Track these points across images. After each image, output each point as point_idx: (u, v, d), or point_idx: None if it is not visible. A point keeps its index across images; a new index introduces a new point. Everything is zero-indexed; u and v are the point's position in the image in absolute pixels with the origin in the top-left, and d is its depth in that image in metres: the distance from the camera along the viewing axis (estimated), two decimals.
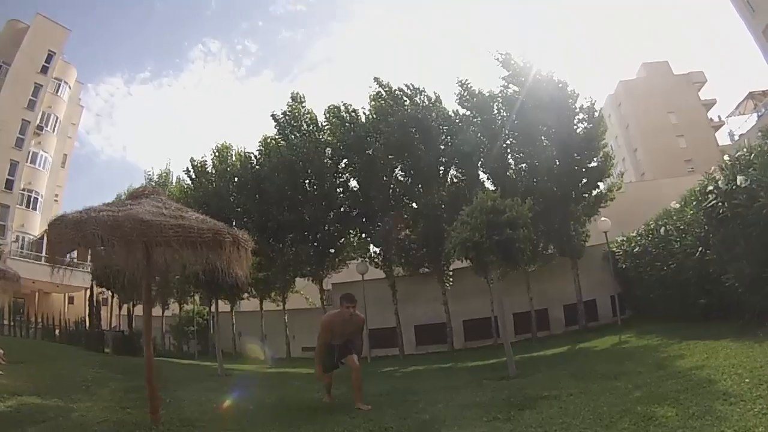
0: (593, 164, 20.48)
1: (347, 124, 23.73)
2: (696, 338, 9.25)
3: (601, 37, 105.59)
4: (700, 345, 8.43)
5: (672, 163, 43.64)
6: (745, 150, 9.18)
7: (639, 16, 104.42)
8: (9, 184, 37.46)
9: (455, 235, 10.58)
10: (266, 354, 23.82)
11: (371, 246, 23.89)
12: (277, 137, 25.46)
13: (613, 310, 18.81)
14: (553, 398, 6.31)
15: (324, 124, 25.03)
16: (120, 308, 30.02)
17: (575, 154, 20.15)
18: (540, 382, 8.16)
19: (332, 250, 24.44)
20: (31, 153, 39.26)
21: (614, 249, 18.58)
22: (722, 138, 47.58)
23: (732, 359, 6.34)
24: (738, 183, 8.69)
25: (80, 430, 5.84)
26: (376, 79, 23.36)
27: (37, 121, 39.46)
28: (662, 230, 13.66)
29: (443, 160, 21.81)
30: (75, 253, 12.92)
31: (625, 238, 18.09)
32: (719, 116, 50.81)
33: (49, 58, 40.53)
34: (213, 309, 20.17)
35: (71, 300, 39.44)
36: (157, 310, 31.89)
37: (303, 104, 25.39)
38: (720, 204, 9.36)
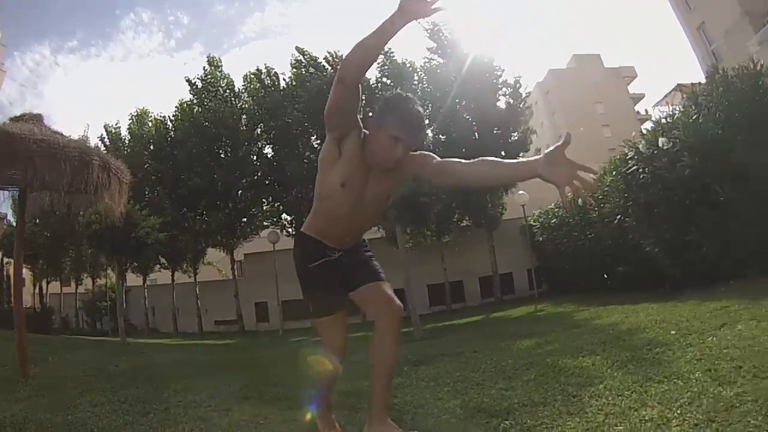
0: (514, 138, 20.45)
1: (267, 88, 23.21)
2: (615, 304, 8.94)
3: (533, 26, 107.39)
4: (618, 309, 8.07)
5: (596, 152, 44.22)
6: (667, 113, 9.07)
7: (575, 7, 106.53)
8: None
9: None
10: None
11: (284, 214, 23.49)
12: (192, 102, 24.49)
13: (530, 283, 18.78)
14: (454, 355, 5.90)
15: (242, 90, 24.36)
16: (34, 286, 28.68)
17: (496, 128, 20.08)
18: (445, 344, 7.73)
19: (244, 219, 23.85)
20: None
21: (532, 223, 18.48)
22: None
23: (654, 316, 6.00)
24: (660, 145, 8.52)
25: None
26: (297, 48, 22.93)
27: None
28: (579, 200, 13.52)
29: None
30: None
31: (542, 211, 17.99)
32: (646, 110, 52.20)
33: None
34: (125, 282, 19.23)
35: None
36: (70, 288, 30.69)
37: (220, 69, 24.57)
38: (640, 170, 9.18)
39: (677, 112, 8.97)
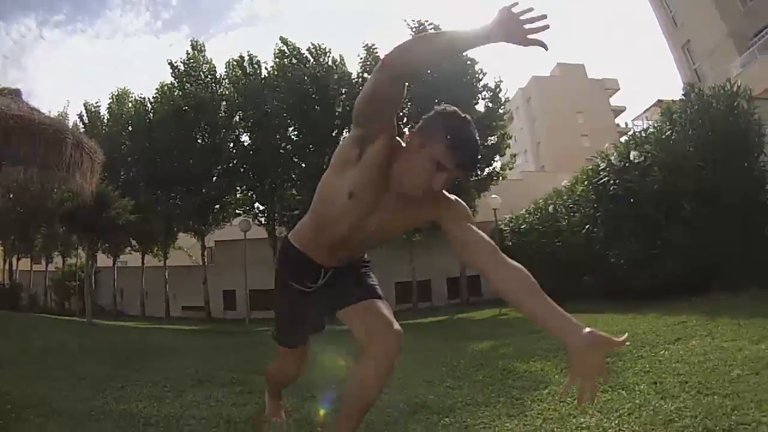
0: (490, 141, 20.63)
1: (248, 76, 23.16)
2: (578, 312, 9.14)
3: None
4: (580, 317, 8.26)
5: (573, 161, 44.45)
6: (642, 127, 9.25)
7: (564, 16, 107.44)
8: None
9: None
10: None
11: (257, 204, 23.53)
12: (173, 85, 24.24)
13: None
14: (410, 352, 5.89)
15: (223, 76, 24.23)
16: (4, 262, 28.12)
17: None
18: (404, 341, 7.79)
19: (217, 206, 23.74)
20: None
21: (502, 227, 18.60)
22: None
23: (613, 327, 6.18)
24: (631, 158, 8.71)
25: None
26: (282, 38, 22.83)
27: None
28: (551, 208, 13.71)
29: (338, 123, 21.46)
30: None
31: (513, 216, 18.13)
32: (626, 123, 52.60)
33: None
34: (96, 263, 19.08)
35: None
36: (41, 266, 30.22)
37: (203, 53, 24.40)
38: (611, 181, 9.37)
39: (651, 126, 9.15)
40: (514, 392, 3.53)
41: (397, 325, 1.96)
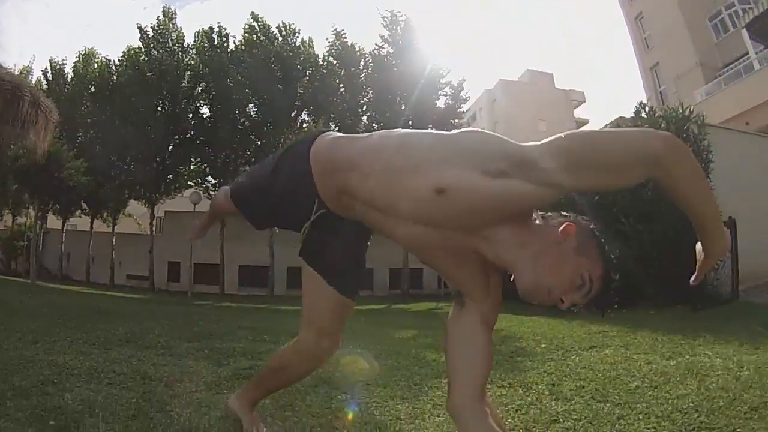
0: None
1: (215, 48, 23.11)
2: (511, 312, 9.17)
3: (495, 36, 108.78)
4: (510, 317, 8.22)
5: None
6: None
7: (542, 25, 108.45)
8: None
9: None
10: None
11: (209, 177, 23.43)
12: (140, 50, 24.09)
13: (440, 282, 19.05)
14: None
15: (190, 46, 24.07)
16: None
17: (431, 125, 20.27)
18: None
19: (170, 176, 23.62)
20: None
21: None
22: None
23: (536, 329, 6.29)
24: None
25: None
26: (252, 14, 22.86)
27: None
28: None
29: (298, 104, 21.56)
30: None
31: None
32: None
33: None
34: (46, 224, 18.98)
35: None
36: None
37: (173, 21, 24.20)
38: None
39: None
40: (415, 378, 3.64)
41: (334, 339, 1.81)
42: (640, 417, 2.58)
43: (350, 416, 2.88)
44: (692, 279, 1.43)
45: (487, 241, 1.39)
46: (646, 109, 9.62)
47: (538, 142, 1.33)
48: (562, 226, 1.36)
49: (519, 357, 4.38)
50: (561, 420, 2.57)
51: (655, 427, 2.48)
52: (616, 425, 2.47)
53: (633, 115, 9.75)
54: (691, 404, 2.78)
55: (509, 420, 2.60)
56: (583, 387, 3.23)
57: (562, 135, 1.31)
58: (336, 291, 1.73)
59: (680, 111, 8.73)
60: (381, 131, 1.58)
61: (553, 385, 3.32)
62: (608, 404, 2.81)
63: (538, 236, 1.37)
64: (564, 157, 1.26)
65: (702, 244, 1.37)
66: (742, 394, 2.89)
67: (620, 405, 2.79)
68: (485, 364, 1.54)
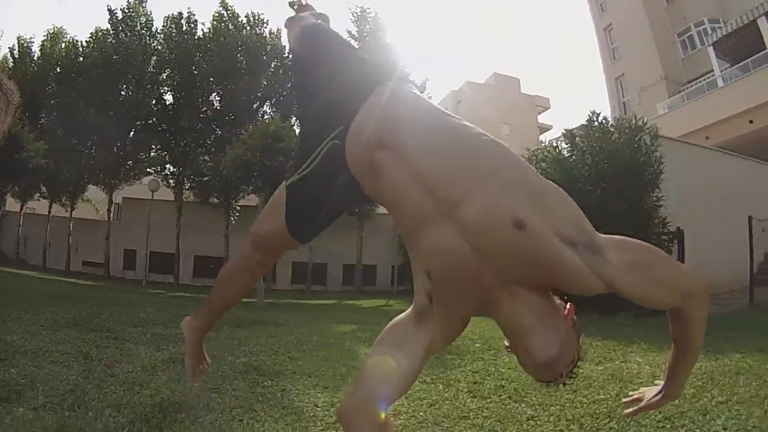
0: None
1: (182, 34, 22.88)
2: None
3: (464, 40, 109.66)
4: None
5: None
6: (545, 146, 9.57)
7: (512, 30, 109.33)
8: None
9: (231, 152, 11.10)
10: None
11: (168, 165, 23.21)
12: (108, 32, 23.74)
13: (392, 279, 19.04)
14: (272, 325, 6.44)
15: (159, 31, 23.78)
16: None
17: None
18: (275, 315, 8.03)
19: (130, 162, 23.34)
20: None
21: None
22: None
23: (477, 329, 6.21)
24: None
25: None
26: (222, 2, 22.75)
27: None
28: None
29: (260, 95, 21.50)
30: None
31: None
32: (548, 141, 52.63)
33: None
34: (4, 206, 18.80)
35: None
36: None
37: (143, 4, 23.87)
38: None
39: (549, 145, 9.40)
40: (342, 369, 3.79)
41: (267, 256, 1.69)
42: (551, 419, 2.65)
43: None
44: (629, 411, 1.52)
45: (512, 296, 1.28)
46: (599, 118, 9.63)
47: (602, 235, 1.31)
48: (567, 305, 1.36)
49: (449, 355, 4.39)
50: (472, 417, 2.63)
51: (562, 430, 2.52)
52: (525, 425, 2.54)
53: (585, 122, 9.67)
54: (605, 410, 2.81)
55: (420, 414, 2.65)
56: (503, 387, 3.28)
57: (624, 238, 1.30)
58: (287, 230, 1.57)
59: (633, 122, 8.75)
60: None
61: (475, 383, 3.42)
62: (523, 405, 2.89)
63: (556, 310, 1.33)
64: (630, 255, 1.25)
65: (666, 382, 1.44)
66: None
67: (534, 406, 2.86)
68: (405, 383, 1.43)
